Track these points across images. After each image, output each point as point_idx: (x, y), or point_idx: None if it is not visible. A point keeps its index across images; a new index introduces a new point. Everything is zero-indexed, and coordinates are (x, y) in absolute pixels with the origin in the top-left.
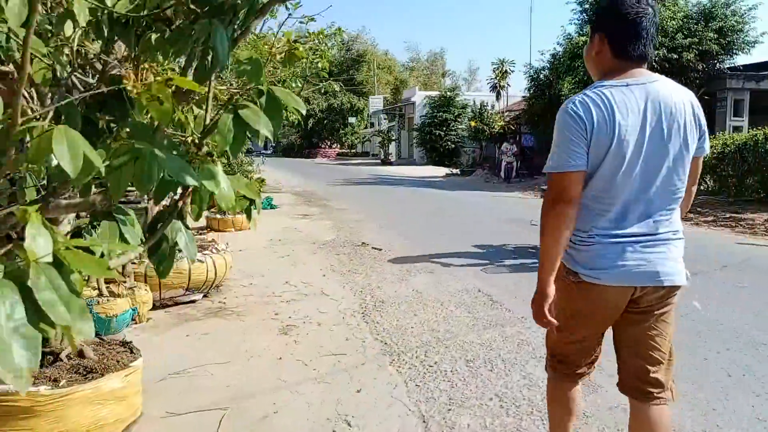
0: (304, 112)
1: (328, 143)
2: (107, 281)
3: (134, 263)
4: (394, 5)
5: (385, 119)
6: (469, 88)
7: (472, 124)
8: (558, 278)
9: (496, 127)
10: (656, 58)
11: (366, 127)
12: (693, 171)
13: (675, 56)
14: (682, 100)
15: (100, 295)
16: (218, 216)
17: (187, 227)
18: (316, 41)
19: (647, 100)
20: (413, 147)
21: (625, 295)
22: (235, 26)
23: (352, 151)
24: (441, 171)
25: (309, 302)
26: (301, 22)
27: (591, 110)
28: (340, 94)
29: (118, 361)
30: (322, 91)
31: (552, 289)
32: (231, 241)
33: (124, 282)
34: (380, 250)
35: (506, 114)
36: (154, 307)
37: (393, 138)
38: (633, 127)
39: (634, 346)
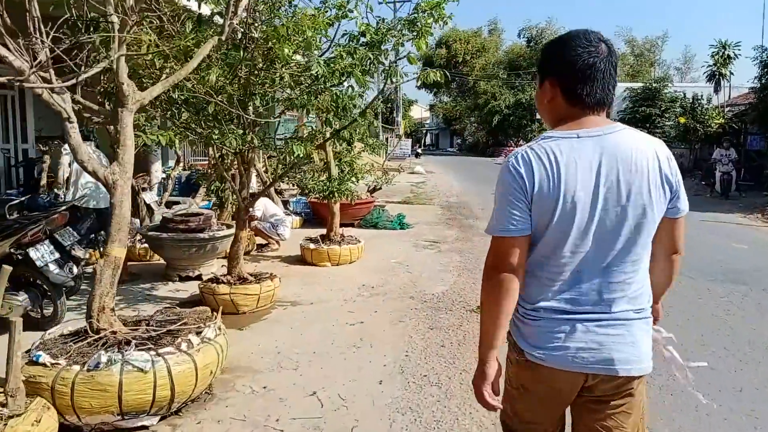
0: None
1: (514, 141)
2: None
3: (47, 365)
4: None
5: None
6: (682, 79)
7: (681, 120)
8: (508, 347)
9: (712, 125)
10: None
11: None
12: (671, 237)
13: None
14: (646, 155)
15: None
16: (311, 246)
17: None
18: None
19: (602, 154)
20: None
21: (575, 381)
22: None
23: None
24: None
25: None
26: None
27: (533, 167)
28: (528, 88)
29: None
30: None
31: (493, 370)
32: (315, 282)
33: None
34: None
35: (727, 109)
36: None
37: None
38: (583, 186)
39: None
